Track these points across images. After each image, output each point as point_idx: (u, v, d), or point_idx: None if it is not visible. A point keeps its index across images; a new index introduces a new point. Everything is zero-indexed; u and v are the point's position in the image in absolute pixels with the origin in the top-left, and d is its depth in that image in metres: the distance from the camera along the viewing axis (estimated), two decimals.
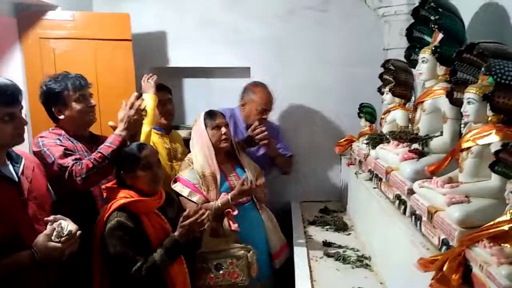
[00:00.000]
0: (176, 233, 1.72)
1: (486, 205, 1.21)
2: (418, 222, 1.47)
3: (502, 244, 0.99)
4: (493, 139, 1.22)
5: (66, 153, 1.82)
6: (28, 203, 1.55)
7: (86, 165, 1.76)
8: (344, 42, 2.90)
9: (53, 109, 1.92)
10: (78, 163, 1.78)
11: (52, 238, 1.49)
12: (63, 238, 1.50)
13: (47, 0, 2.49)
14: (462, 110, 1.33)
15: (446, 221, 1.25)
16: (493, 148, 1.22)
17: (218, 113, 2.29)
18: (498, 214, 1.09)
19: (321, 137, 2.89)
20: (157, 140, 2.45)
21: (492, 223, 1.01)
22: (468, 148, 1.31)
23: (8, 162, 1.57)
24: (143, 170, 1.75)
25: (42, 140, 1.86)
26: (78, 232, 1.56)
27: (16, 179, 1.54)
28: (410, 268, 1.30)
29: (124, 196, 1.72)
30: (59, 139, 1.87)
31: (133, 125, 1.89)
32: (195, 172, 2.18)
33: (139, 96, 1.95)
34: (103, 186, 1.80)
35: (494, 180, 1.22)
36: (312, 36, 2.93)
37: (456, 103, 1.45)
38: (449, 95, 1.44)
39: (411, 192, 1.57)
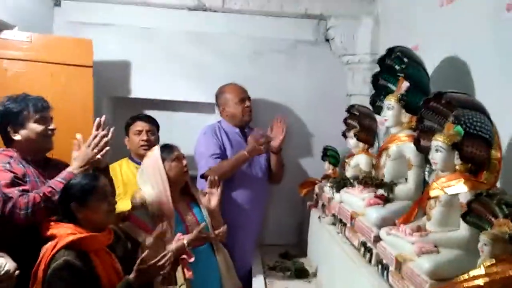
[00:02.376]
0: (131, 276, 1.55)
1: (456, 256, 1.18)
2: (385, 272, 1.41)
3: None
4: (462, 189, 1.22)
5: (14, 181, 1.68)
6: None
7: (34, 199, 1.64)
8: (309, 86, 2.95)
9: (8, 129, 1.81)
10: (24, 195, 1.64)
11: None
12: None
13: (4, 19, 2.36)
14: (430, 157, 1.33)
15: (415, 272, 1.20)
16: (462, 198, 1.22)
17: (174, 146, 2.18)
18: (467, 266, 1.07)
19: (285, 179, 2.83)
20: (134, 173, 2.29)
21: (466, 277, 0.97)
22: (436, 196, 1.30)
23: None
24: (100, 200, 1.60)
25: None
26: (16, 272, 1.41)
27: None
28: None
29: (71, 233, 1.54)
30: (9, 162, 1.74)
31: (90, 164, 1.79)
32: (147, 211, 2.03)
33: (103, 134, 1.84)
34: (42, 225, 1.61)
35: (463, 230, 1.21)
36: (278, 78, 2.95)
37: (423, 150, 1.45)
38: (416, 142, 1.45)
39: (377, 239, 1.52)
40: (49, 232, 1.58)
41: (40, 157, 1.90)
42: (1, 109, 1.83)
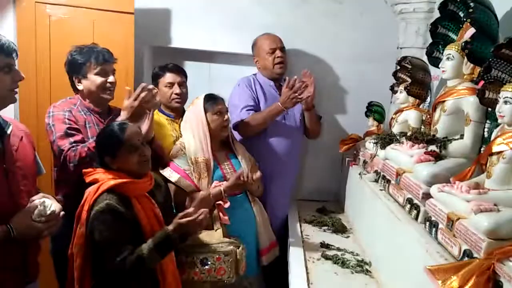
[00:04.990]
0: (170, 227, 1.56)
1: None
2: (434, 229, 1.34)
3: None
4: None
5: (68, 132, 1.80)
6: (10, 172, 1.45)
7: (80, 154, 1.74)
8: (356, 36, 2.76)
9: (74, 78, 1.92)
10: (74, 148, 1.76)
11: (33, 216, 1.38)
12: (44, 218, 1.40)
13: None
14: (497, 110, 1.21)
15: (471, 230, 1.13)
16: None
17: (219, 97, 2.15)
18: None
19: (324, 134, 2.75)
20: (165, 126, 2.28)
21: None
22: (500, 152, 1.19)
23: None
24: (129, 152, 1.59)
25: (53, 110, 1.86)
26: (61, 213, 1.46)
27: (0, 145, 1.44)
28: (419, 277, 1.18)
29: (113, 177, 1.57)
30: (70, 110, 1.87)
31: (136, 116, 1.80)
32: (186, 158, 2.04)
33: (147, 87, 1.83)
34: (83, 170, 1.65)
35: None
36: (323, 28, 2.79)
37: (487, 103, 1.32)
38: (480, 93, 1.32)
39: (426, 196, 1.45)
40: (91, 178, 1.60)
41: (102, 106, 1.99)
42: (68, 59, 1.92)
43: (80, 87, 1.92)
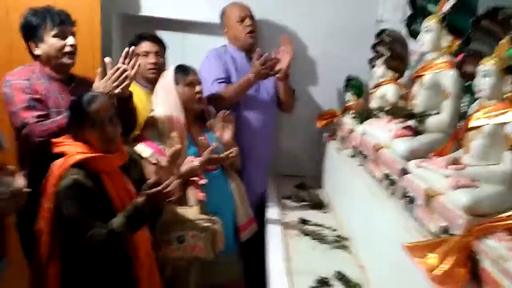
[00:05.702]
0: (138, 200, 1.51)
1: (496, 192, 1.08)
2: (411, 206, 1.34)
3: None
4: (510, 119, 1.09)
5: (31, 104, 1.67)
6: None
7: (50, 129, 1.63)
8: (334, 9, 2.68)
9: (30, 43, 1.78)
10: (40, 122, 1.64)
11: None
12: (6, 196, 1.31)
13: None
14: (475, 84, 1.19)
15: (448, 206, 1.12)
16: (509, 129, 1.09)
17: (190, 68, 2.05)
18: (508, 203, 0.98)
19: (301, 109, 2.71)
20: (142, 98, 2.16)
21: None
22: (478, 127, 1.18)
23: None
24: (92, 127, 1.49)
25: (10, 79, 1.71)
26: (25, 190, 1.36)
27: None
28: (396, 253, 1.18)
29: (81, 151, 1.48)
30: (28, 79, 1.72)
31: (110, 96, 1.68)
32: (159, 132, 1.96)
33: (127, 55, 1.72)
34: (52, 140, 1.55)
35: (508, 163, 1.10)
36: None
37: (466, 76, 1.30)
38: (458, 65, 1.29)
39: (404, 172, 1.44)
40: (59, 149, 1.51)
41: (64, 73, 1.84)
42: (22, 22, 1.77)
43: (37, 52, 1.76)
